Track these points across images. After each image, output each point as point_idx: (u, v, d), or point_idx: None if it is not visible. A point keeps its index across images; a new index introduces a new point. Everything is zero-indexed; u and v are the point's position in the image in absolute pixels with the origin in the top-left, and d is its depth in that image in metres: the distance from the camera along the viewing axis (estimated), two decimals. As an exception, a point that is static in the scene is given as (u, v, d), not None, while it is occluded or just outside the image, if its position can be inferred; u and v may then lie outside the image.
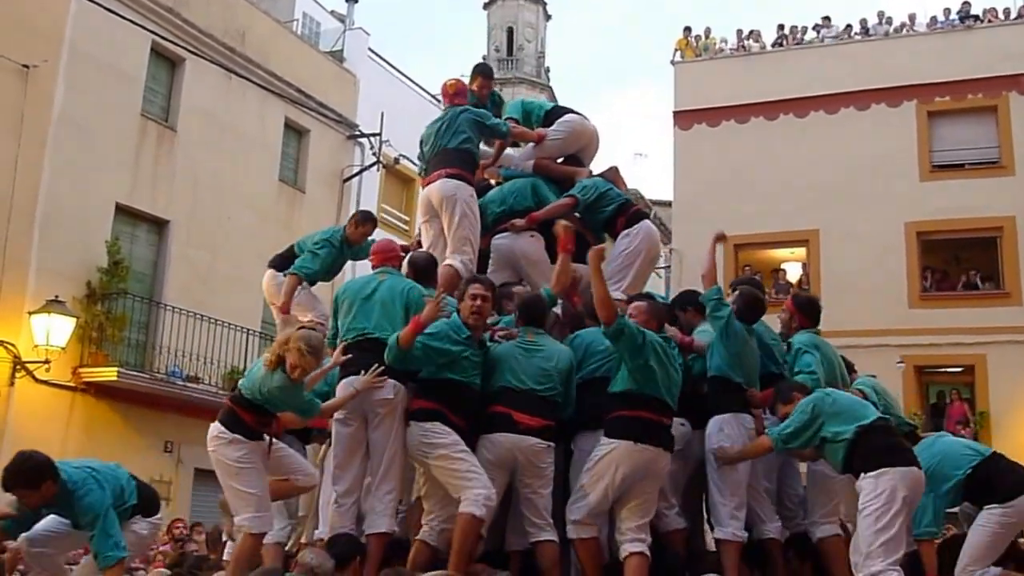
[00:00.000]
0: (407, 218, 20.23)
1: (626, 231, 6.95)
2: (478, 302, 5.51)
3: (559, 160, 7.48)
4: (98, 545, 5.32)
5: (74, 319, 13.32)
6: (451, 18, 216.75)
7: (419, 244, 7.18)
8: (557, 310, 6.60)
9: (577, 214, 7.02)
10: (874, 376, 7.01)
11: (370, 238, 7.31)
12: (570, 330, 6.34)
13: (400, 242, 7.54)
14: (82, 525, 5.47)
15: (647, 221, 7.13)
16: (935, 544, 5.75)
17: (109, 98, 14.55)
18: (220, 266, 16.08)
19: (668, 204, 23.97)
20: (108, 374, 13.69)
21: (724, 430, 5.71)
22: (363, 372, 5.46)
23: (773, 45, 22.25)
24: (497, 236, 6.84)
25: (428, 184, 6.77)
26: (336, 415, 5.63)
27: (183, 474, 14.95)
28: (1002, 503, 5.37)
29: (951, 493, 5.62)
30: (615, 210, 6.99)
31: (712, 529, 5.95)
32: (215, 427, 5.36)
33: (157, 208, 15.33)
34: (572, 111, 7.57)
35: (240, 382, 5.51)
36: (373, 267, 6.11)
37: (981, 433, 18.19)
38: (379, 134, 19.36)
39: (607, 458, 5.34)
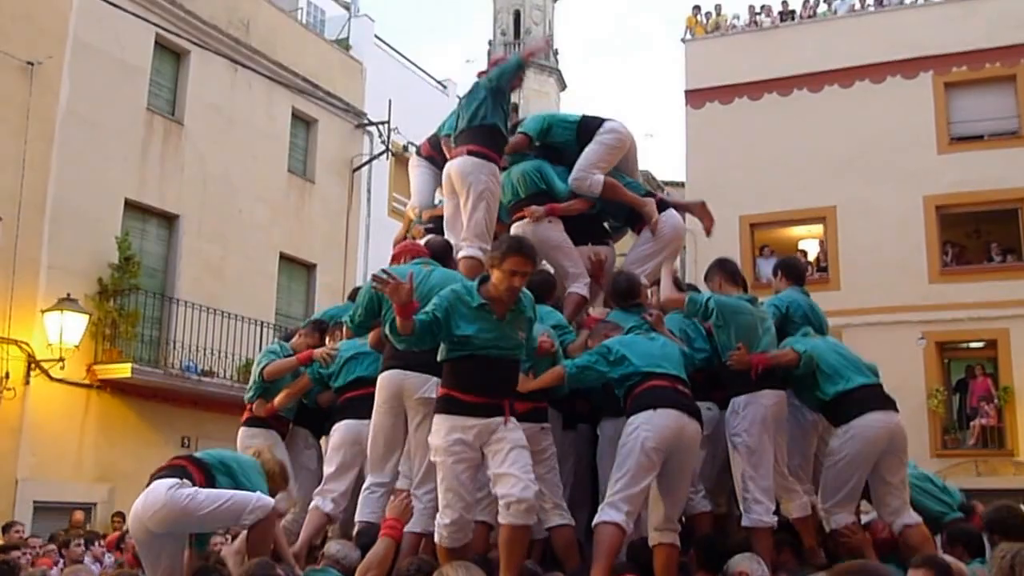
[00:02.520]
0: (418, 206, 20.13)
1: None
2: (516, 281, 4.78)
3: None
4: None
5: (87, 316, 13.30)
6: (456, 1, 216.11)
7: (431, 219, 7.11)
8: (583, 291, 6.53)
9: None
10: None
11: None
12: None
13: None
14: None
15: (672, 210, 7.01)
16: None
17: (115, 93, 14.47)
18: (232, 259, 16.04)
19: (680, 184, 23.75)
20: (122, 371, 13.67)
21: (739, 412, 5.58)
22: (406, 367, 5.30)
23: (784, 19, 21.94)
24: (515, 224, 6.67)
25: (452, 159, 6.48)
26: (377, 404, 5.46)
27: (201, 469, 14.93)
28: None
29: None
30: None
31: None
32: (167, 482, 4.92)
33: (166, 203, 15.25)
34: (606, 120, 7.03)
35: (204, 453, 5.27)
36: (405, 262, 5.80)
37: (1005, 408, 18.00)
38: (387, 122, 19.26)
39: (632, 435, 5.13)
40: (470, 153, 6.24)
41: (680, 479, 5.26)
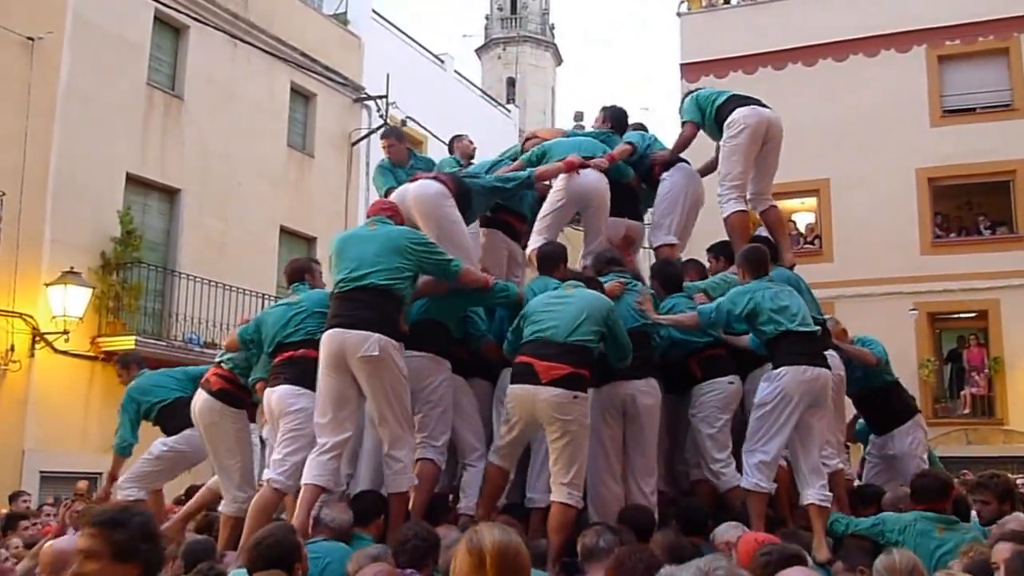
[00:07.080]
0: (416, 180, 20.23)
1: (663, 175, 7.04)
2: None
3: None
4: None
5: (90, 289, 13.47)
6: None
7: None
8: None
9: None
10: None
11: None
12: None
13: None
14: None
15: (682, 163, 7.16)
16: None
17: (115, 68, 14.55)
18: (233, 232, 16.18)
19: (677, 158, 23.81)
20: (126, 343, 13.79)
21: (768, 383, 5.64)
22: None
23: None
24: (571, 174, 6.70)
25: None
26: (320, 365, 5.24)
27: (203, 440, 15.13)
28: None
29: None
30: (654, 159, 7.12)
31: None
32: None
33: (168, 177, 15.39)
34: (745, 101, 7.08)
35: None
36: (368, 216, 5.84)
37: (996, 378, 18.25)
38: (385, 96, 19.34)
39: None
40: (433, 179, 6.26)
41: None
